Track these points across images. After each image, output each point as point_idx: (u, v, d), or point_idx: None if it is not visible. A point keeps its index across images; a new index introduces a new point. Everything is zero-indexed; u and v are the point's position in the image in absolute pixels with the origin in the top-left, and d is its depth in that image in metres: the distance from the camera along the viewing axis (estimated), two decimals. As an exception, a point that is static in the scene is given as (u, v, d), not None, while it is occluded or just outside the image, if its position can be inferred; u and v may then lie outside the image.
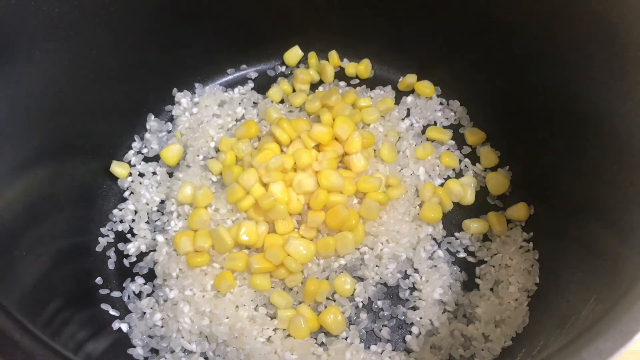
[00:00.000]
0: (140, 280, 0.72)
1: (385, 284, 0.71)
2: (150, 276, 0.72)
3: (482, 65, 0.77)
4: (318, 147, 0.75)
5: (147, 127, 0.83)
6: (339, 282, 0.69)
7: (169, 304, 0.68)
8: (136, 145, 0.81)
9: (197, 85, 0.86)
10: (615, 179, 0.56)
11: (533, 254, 0.70)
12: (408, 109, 0.84)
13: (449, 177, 0.78)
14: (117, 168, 0.78)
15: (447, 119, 0.84)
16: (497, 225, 0.73)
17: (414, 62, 0.86)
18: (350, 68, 0.88)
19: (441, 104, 0.85)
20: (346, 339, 0.67)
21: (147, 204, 0.77)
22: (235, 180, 0.72)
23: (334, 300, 0.69)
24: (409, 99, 0.85)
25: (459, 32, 0.77)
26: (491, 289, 0.69)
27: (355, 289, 0.69)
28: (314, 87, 0.87)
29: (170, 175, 0.79)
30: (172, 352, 0.66)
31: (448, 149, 0.81)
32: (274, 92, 0.85)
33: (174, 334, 0.66)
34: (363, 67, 0.87)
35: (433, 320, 0.68)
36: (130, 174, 0.79)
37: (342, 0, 0.82)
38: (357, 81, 0.88)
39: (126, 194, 0.78)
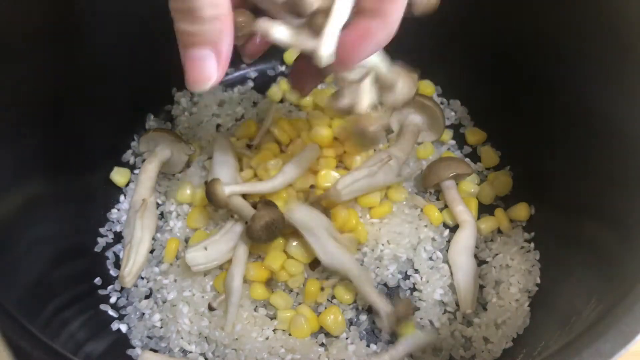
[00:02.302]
0: (139, 281, 0.71)
1: (385, 285, 0.71)
2: (149, 277, 0.72)
3: (483, 65, 0.77)
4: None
5: (147, 127, 0.83)
6: (339, 292, 0.68)
7: (168, 304, 0.68)
8: (135, 145, 0.81)
9: (196, 85, 0.86)
10: (616, 179, 0.56)
11: (534, 255, 0.70)
12: (408, 109, 0.84)
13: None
14: (117, 176, 0.78)
15: (448, 118, 0.83)
16: (504, 221, 0.73)
17: (414, 62, 0.86)
18: (350, 68, 0.88)
19: (442, 103, 0.85)
20: (347, 339, 0.67)
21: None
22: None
23: (333, 301, 0.69)
24: (409, 98, 0.85)
25: (459, 32, 0.77)
26: (492, 290, 0.69)
27: (356, 293, 0.69)
28: (314, 87, 0.87)
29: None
30: (171, 352, 0.66)
31: (449, 148, 0.81)
32: (274, 92, 0.85)
33: (173, 335, 0.66)
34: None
35: (433, 321, 0.68)
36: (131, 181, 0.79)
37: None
38: (357, 81, 0.88)
39: (122, 196, 0.78)
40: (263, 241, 0.62)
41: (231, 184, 0.66)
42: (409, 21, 0.80)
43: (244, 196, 0.68)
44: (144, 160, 0.79)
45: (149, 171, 0.76)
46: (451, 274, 0.70)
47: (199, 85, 0.42)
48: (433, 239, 0.73)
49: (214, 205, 0.67)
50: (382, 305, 0.64)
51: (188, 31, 0.40)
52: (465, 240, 0.71)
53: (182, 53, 0.42)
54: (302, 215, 0.63)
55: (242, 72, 0.89)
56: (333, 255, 0.64)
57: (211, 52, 0.41)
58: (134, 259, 0.70)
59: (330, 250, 0.64)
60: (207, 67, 0.41)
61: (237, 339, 0.65)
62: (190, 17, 0.39)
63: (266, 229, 0.61)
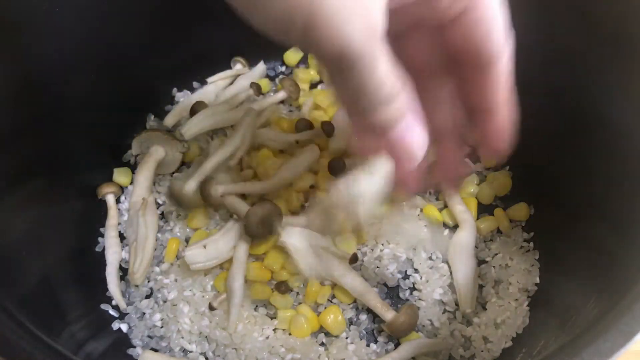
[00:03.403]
0: (139, 280, 0.72)
1: (385, 285, 0.71)
2: (149, 277, 0.72)
3: (482, 65, 0.77)
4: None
5: (147, 126, 0.83)
6: (339, 292, 0.68)
7: (168, 304, 0.68)
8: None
9: (196, 85, 0.86)
10: (616, 178, 0.56)
11: (533, 254, 0.70)
12: (408, 109, 0.84)
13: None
14: (120, 177, 0.78)
15: (447, 119, 0.83)
16: (503, 221, 0.73)
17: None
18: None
19: (441, 104, 0.85)
20: (347, 338, 0.67)
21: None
22: (235, 180, 0.72)
23: (333, 301, 0.69)
24: (409, 99, 0.85)
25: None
26: (491, 289, 0.69)
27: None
28: (314, 87, 0.87)
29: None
30: (172, 352, 0.66)
31: (448, 148, 0.81)
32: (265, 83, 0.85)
33: (173, 334, 0.67)
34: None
35: (433, 321, 0.68)
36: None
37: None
38: (357, 81, 0.88)
39: (122, 196, 0.78)
40: (262, 236, 0.62)
41: (225, 184, 0.66)
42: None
43: (245, 198, 0.68)
44: (144, 160, 0.79)
45: (145, 171, 0.76)
46: (451, 273, 0.70)
47: (419, 155, 0.40)
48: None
49: (209, 205, 0.67)
50: (387, 314, 0.64)
51: (382, 119, 0.37)
52: (464, 240, 0.71)
53: (385, 137, 0.39)
54: (294, 239, 0.64)
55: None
56: (331, 271, 0.65)
57: (408, 119, 0.38)
58: (141, 256, 0.70)
59: (327, 266, 0.65)
60: (416, 133, 0.39)
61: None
62: (374, 110, 0.36)
63: (262, 223, 0.61)
